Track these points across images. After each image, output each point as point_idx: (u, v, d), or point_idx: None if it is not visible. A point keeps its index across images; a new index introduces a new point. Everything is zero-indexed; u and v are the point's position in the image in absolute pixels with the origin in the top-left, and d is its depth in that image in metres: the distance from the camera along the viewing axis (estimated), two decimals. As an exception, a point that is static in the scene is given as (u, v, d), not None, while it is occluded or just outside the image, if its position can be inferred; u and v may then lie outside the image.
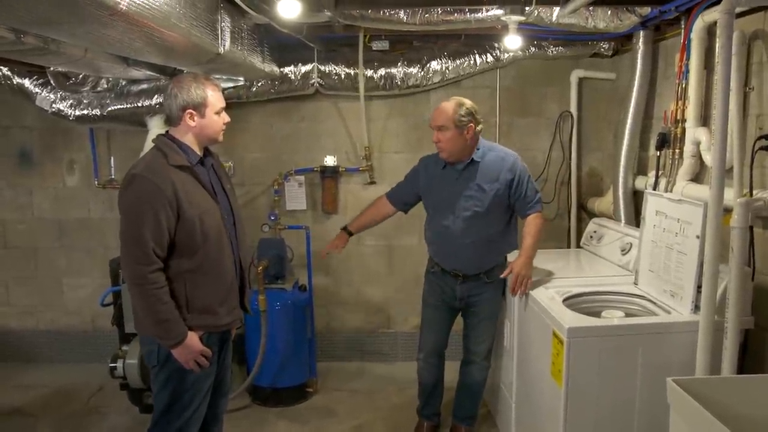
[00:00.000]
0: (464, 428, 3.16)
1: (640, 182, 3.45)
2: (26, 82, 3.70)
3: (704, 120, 2.86)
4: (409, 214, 3.23)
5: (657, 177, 3.14)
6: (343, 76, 3.85)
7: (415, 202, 3.10)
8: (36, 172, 4.10)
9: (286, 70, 3.80)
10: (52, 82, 3.64)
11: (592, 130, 4.08)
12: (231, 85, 3.73)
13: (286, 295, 3.56)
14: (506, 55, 3.88)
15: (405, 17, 3.11)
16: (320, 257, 3.58)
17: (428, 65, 3.85)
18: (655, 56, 3.41)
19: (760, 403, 1.68)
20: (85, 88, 3.69)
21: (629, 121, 3.45)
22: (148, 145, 2.36)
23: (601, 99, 4.03)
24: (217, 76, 3.32)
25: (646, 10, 3.08)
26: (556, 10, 3.00)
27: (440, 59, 3.86)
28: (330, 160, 4.03)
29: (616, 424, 2.36)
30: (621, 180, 3.52)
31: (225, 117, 2.27)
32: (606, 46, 3.85)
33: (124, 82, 3.68)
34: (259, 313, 3.39)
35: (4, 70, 3.66)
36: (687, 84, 2.90)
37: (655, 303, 2.60)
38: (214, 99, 2.20)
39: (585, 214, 4.12)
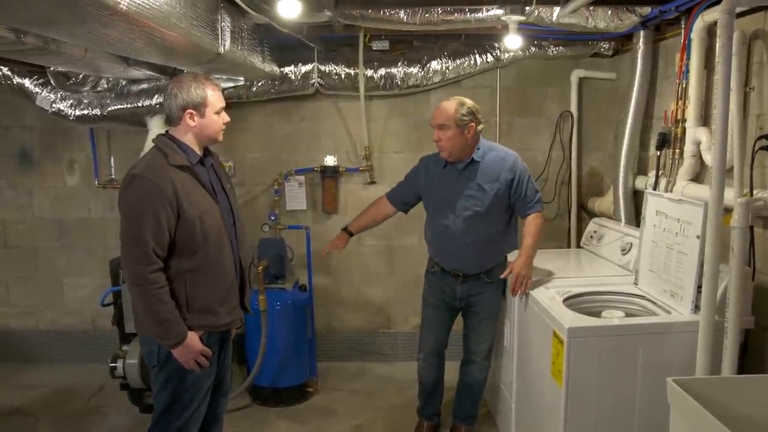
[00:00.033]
0: (464, 428, 3.16)
1: (640, 182, 3.44)
2: (26, 82, 3.70)
3: (704, 120, 2.86)
4: (410, 214, 3.23)
5: (657, 177, 3.14)
6: (343, 76, 3.85)
7: (415, 202, 3.10)
8: (36, 172, 4.10)
9: (287, 69, 3.80)
10: (52, 82, 3.64)
11: (592, 129, 4.08)
12: (231, 84, 3.73)
13: (287, 295, 3.56)
14: (506, 55, 3.88)
15: (405, 17, 3.11)
16: (320, 257, 3.58)
17: (428, 65, 3.85)
18: (655, 56, 3.41)
19: (761, 403, 1.68)
20: (86, 88, 3.69)
21: (629, 120, 3.45)
22: (149, 145, 2.36)
23: (602, 99, 4.02)
24: (218, 76, 3.32)
25: (646, 10, 3.08)
26: (557, 9, 2.99)
27: (440, 59, 3.86)
28: (330, 160, 4.03)
29: (616, 424, 2.36)
30: (621, 180, 3.52)
31: (225, 117, 2.27)
32: (606, 45, 3.85)
33: (124, 82, 3.68)
34: (260, 313, 3.39)
35: (5, 70, 3.66)
36: (687, 84, 2.90)
37: (655, 303, 2.60)
38: (214, 99, 2.20)
39: (585, 213, 4.12)
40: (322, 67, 3.84)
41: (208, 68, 2.86)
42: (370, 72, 3.84)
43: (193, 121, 2.17)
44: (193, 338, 2.14)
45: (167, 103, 2.19)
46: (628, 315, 2.58)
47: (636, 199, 3.51)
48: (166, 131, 2.25)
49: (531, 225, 2.87)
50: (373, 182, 4.05)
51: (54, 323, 4.26)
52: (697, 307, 2.31)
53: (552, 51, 3.84)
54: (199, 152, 2.23)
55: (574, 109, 3.99)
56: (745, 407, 1.66)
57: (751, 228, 2.22)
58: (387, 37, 3.79)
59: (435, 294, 3.04)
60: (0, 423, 3.46)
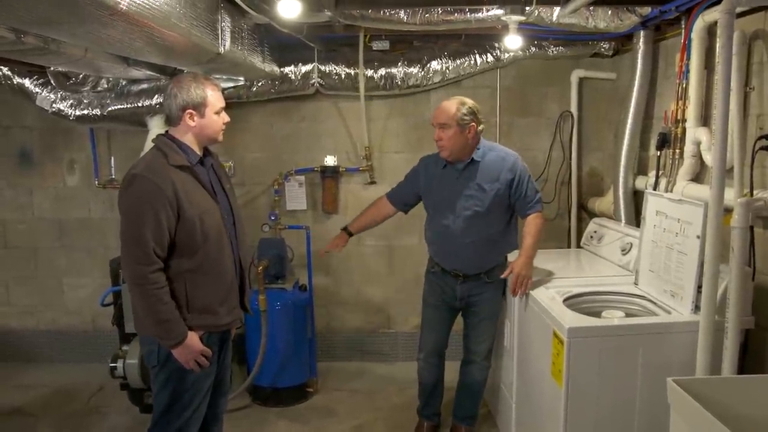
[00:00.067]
0: (464, 428, 3.16)
1: (640, 182, 3.44)
2: (26, 82, 3.70)
3: (705, 120, 2.85)
4: (409, 214, 3.23)
5: (657, 177, 3.14)
6: (343, 76, 3.85)
7: (415, 202, 3.10)
8: (36, 172, 4.10)
9: (287, 69, 3.80)
10: (52, 82, 3.64)
11: (592, 130, 4.08)
12: (231, 84, 3.73)
13: (287, 295, 3.56)
14: (506, 55, 3.88)
15: (405, 17, 3.11)
16: (320, 256, 3.58)
17: (428, 65, 3.85)
18: (655, 56, 3.41)
19: (761, 404, 1.68)
20: (86, 88, 3.69)
21: (630, 121, 3.45)
22: (149, 145, 2.36)
23: (602, 99, 4.02)
24: (218, 76, 3.32)
25: (646, 10, 3.08)
26: (557, 10, 2.99)
27: (440, 59, 3.86)
28: (330, 160, 4.03)
29: (616, 424, 2.36)
30: (621, 180, 3.52)
31: (225, 117, 2.27)
32: (606, 46, 3.85)
33: (124, 82, 3.68)
34: (260, 313, 3.39)
35: (5, 70, 3.66)
36: (687, 84, 2.90)
37: (655, 303, 2.60)
38: (214, 99, 2.20)
39: (585, 214, 4.12)
40: (322, 67, 3.84)
41: (208, 68, 2.86)
42: (370, 72, 3.84)
43: (193, 121, 2.17)
44: (193, 338, 2.14)
45: (167, 103, 2.19)
46: (628, 315, 2.58)
47: (636, 199, 3.51)
48: (166, 131, 2.25)
49: (531, 225, 2.87)
50: (373, 182, 4.05)
51: (54, 323, 4.26)
52: (697, 308, 2.31)
53: (552, 51, 3.84)
54: (198, 152, 2.23)
55: (574, 109, 3.99)
56: (745, 407, 1.66)
57: (751, 228, 2.22)
58: (387, 37, 3.79)
59: (435, 294, 3.04)
60: (0, 423, 3.46)
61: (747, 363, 2.45)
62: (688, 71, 2.89)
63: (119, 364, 3.14)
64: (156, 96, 3.63)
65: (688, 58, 2.88)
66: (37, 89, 3.70)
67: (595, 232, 3.54)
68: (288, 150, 4.06)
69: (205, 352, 2.19)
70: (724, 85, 2.10)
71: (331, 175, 4.03)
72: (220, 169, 2.39)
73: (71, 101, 3.70)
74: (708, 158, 2.74)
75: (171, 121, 2.21)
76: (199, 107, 2.16)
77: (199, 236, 2.13)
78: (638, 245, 2.84)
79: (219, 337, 2.32)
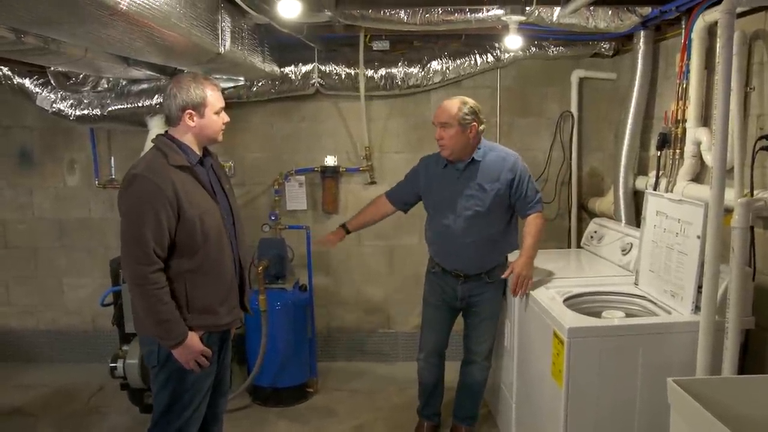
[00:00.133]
0: (465, 428, 3.16)
1: (640, 182, 3.44)
2: (27, 82, 3.70)
3: (705, 120, 2.85)
4: (409, 214, 3.23)
5: (657, 177, 3.14)
6: (343, 76, 3.85)
7: (415, 201, 3.10)
8: (36, 171, 4.10)
9: (287, 69, 3.79)
10: (52, 82, 3.64)
11: (592, 130, 4.08)
12: (231, 85, 3.73)
13: (287, 295, 3.56)
14: (507, 55, 3.88)
15: (405, 17, 3.11)
16: (317, 245, 3.58)
17: (429, 65, 3.85)
18: (655, 56, 3.41)
19: (761, 404, 1.68)
20: (86, 88, 3.69)
21: (630, 121, 3.45)
22: (149, 145, 2.36)
23: (602, 99, 4.02)
24: (218, 76, 3.32)
25: (646, 10, 3.08)
26: (557, 10, 2.99)
27: (441, 59, 3.86)
28: (330, 160, 4.03)
29: (616, 424, 2.36)
30: (621, 180, 3.52)
31: (224, 117, 2.27)
32: (606, 46, 3.85)
33: (124, 82, 3.68)
34: (260, 313, 3.39)
35: (5, 70, 3.67)
36: (688, 84, 2.90)
37: (655, 303, 2.60)
38: (214, 99, 2.20)
39: (585, 214, 4.11)
40: (323, 67, 3.84)
41: (209, 68, 2.86)
42: (370, 72, 3.84)
43: (193, 121, 2.17)
44: (193, 338, 2.14)
45: (167, 104, 2.19)
46: (628, 315, 2.58)
47: (636, 199, 3.51)
48: (166, 131, 2.25)
49: (531, 225, 2.87)
50: (373, 182, 4.05)
51: (54, 323, 4.26)
52: (697, 308, 2.31)
53: (552, 51, 3.84)
54: (198, 152, 2.23)
55: (574, 109, 3.99)
56: (745, 407, 1.66)
57: (752, 228, 2.22)
58: (387, 37, 3.79)
59: (436, 294, 3.04)
60: (0, 423, 3.46)
61: (747, 363, 2.45)
62: (688, 71, 2.89)
63: (119, 364, 3.15)
64: (156, 96, 3.63)
65: (689, 59, 2.88)
66: (37, 89, 3.71)
67: (596, 232, 3.54)
68: (288, 150, 4.06)
69: (205, 352, 2.19)
70: (725, 85, 2.10)
71: (331, 175, 4.04)
72: (220, 170, 2.39)
73: (71, 101, 3.70)
74: (708, 158, 2.74)
75: (171, 121, 2.21)
76: (199, 107, 2.16)
77: (199, 236, 2.13)
78: (638, 245, 2.84)
79: (219, 337, 2.32)
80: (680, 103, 2.95)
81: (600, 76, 3.97)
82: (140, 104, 3.66)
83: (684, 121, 2.94)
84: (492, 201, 2.82)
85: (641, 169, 3.54)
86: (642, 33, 3.35)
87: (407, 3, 3.07)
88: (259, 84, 3.81)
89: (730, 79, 2.12)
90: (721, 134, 2.08)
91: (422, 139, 3.96)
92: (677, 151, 3.00)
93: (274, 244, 3.61)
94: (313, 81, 3.85)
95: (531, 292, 2.77)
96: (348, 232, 3.19)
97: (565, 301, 2.61)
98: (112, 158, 4.02)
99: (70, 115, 3.71)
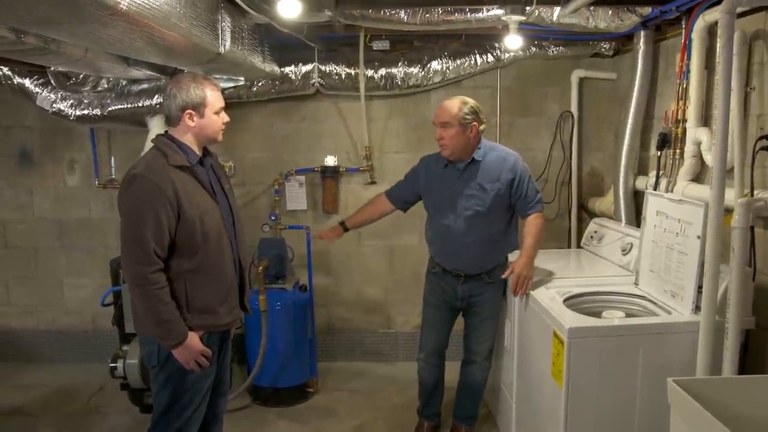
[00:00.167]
0: (465, 428, 3.16)
1: (640, 182, 3.44)
2: (27, 82, 3.70)
3: (705, 120, 2.85)
4: (409, 213, 3.23)
5: (658, 177, 3.14)
6: (343, 76, 3.85)
7: (414, 201, 3.10)
8: (36, 171, 4.10)
9: (287, 69, 3.79)
10: (52, 82, 3.64)
11: (592, 130, 4.08)
12: (231, 84, 3.73)
13: (287, 295, 3.56)
14: (507, 55, 3.88)
15: (405, 17, 3.11)
16: (314, 239, 3.60)
17: (429, 65, 3.85)
18: (655, 56, 3.40)
19: (761, 404, 1.68)
20: (86, 88, 3.69)
21: (630, 121, 3.44)
22: (149, 145, 2.37)
23: (602, 99, 4.02)
24: (218, 76, 3.32)
25: (646, 10, 3.08)
26: (557, 10, 2.99)
27: (441, 59, 3.86)
28: (330, 160, 4.03)
29: (616, 424, 2.36)
30: (622, 180, 3.52)
31: (224, 117, 2.27)
32: (607, 46, 3.85)
33: (124, 82, 3.68)
34: (260, 313, 3.39)
35: (5, 70, 3.67)
36: (688, 84, 2.90)
37: (655, 303, 2.60)
38: (213, 99, 2.20)
39: (586, 214, 4.11)
40: (323, 67, 3.83)
41: (209, 68, 2.86)
42: (370, 72, 3.84)
43: (193, 121, 2.17)
44: (193, 338, 2.14)
45: (166, 104, 2.19)
46: (628, 315, 2.58)
47: (636, 199, 3.51)
48: (166, 131, 2.25)
49: (531, 225, 2.87)
50: (373, 182, 4.05)
51: (54, 323, 4.26)
52: (697, 308, 2.31)
53: (552, 51, 3.83)
54: (198, 152, 2.23)
55: (574, 109, 3.99)
56: (745, 408, 1.66)
57: (752, 228, 2.22)
58: (387, 37, 3.79)
59: (436, 294, 3.04)
60: (0, 423, 3.46)
61: (747, 363, 2.45)
62: (688, 71, 2.89)
63: (119, 364, 3.15)
64: (156, 96, 3.63)
65: (689, 58, 2.88)
66: (37, 89, 3.71)
67: (596, 232, 3.54)
68: (288, 150, 4.06)
69: (205, 353, 2.19)
70: (725, 85, 2.10)
71: (331, 175, 4.04)
72: (220, 170, 2.39)
73: (71, 101, 3.70)
74: (708, 158, 2.74)
75: (170, 121, 2.21)
76: (199, 107, 2.16)
77: (199, 236, 2.13)
78: (638, 245, 2.84)
79: (219, 337, 2.32)
80: (680, 103, 2.95)
81: (600, 76, 3.97)
82: (140, 104, 3.66)
83: (684, 121, 2.94)
84: (492, 201, 2.81)
85: (641, 169, 3.53)
86: (642, 33, 3.35)
87: (407, 3, 3.07)
88: (259, 84, 3.81)
89: (730, 79, 2.12)
90: (722, 134, 2.08)
91: (422, 139, 3.96)
92: (677, 151, 3.00)
93: (274, 244, 3.61)
94: (313, 81, 3.85)
95: (531, 292, 2.77)
96: (346, 229, 3.19)
97: (565, 301, 2.60)
98: (112, 158, 4.02)
99: (70, 115, 3.71)
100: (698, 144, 2.83)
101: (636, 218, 3.46)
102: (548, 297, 2.65)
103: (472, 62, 3.88)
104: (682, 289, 2.45)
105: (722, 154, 2.10)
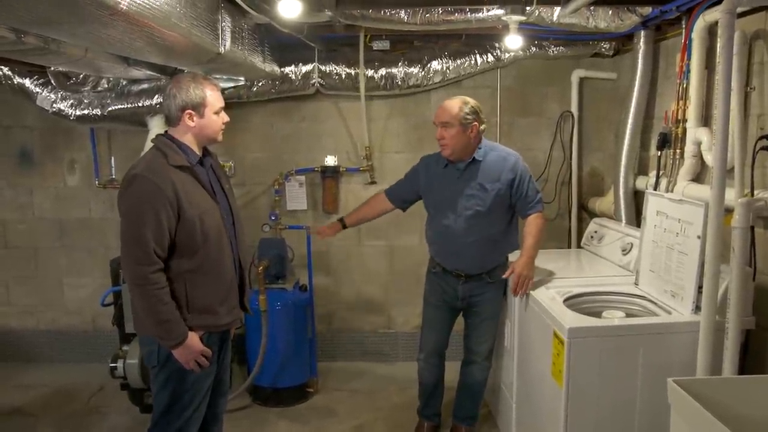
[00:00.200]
0: (465, 428, 3.16)
1: (641, 182, 3.44)
2: (27, 82, 3.70)
3: (705, 120, 2.85)
4: (409, 213, 3.23)
5: (658, 177, 3.14)
6: (343, 76, 3.85)
7: (414, 200, 3.10)
8: (36, 171, 4.10)
9: (287, 69, 3.79)
10: (52, 81, 3.64)
11: (593, 130, 4.08)
12: (231, 84, 3.73)
13: (287, 295, 3.56)
14: (507, 55, 3.87)
15: (406, 17, 3.11)
16: (308, 232, 3.62)
17: (429, 65, 3.85)
18: (656, 56, 3.40)
19: (761, 404, 1.68)
20: (86, 88, 3.69)
21: (630, 121, 3.44)
22: (149, 145, 2.37)
23: (602, 99, 4.02)
24: (218, 76, 3.32)
25: (647, 10, 3.08)
26: (557, 9, 2.99)
27: (441, 59, 3.86)
28: (331, 160, 4.03)
29: (616, 424, 2.36)
30: (622, 180, 3.52)
31: (224, 117, 2.27)
32: (607, 45, 3.85)
33: (124, 82, 3.68)
34: (260, 313, 3.39)
35: (5, 69, 3.67)
36: (688, 84, 2.89)
37: (655, 303, 2.60)
38: (213, 99, 2.20)
39: (586, 214, 4.11)
40: (323, 67, 3.83)
41: (209, 68, 2.86)
42: (370, 72, 3.84)
43: (192, 121, 2.17)
44: (193, 338, 2.14)
45: (166, 104, 2.19)
46: (628, 315, 2.58)
47: (637, 199, 3.51)
48: (166, 131, 2.25)
49: (532, 225, 2.87)
50: (373, 182, 4.05)
51: (54, 323, 4.26)
52: (697, 308, 2.31)
53: (552, 51, 3.83)
54: (198, 152, 2.23)
55: (574, 109, 3.99)
56: (745, 408, 1.66)
57: (752, 228, 2.22)
58: (387, 37, 3.79)
59: (436, 294, 3.04)
60: (0, 423, 3.46)
61: (748, 363, 2.45)
62: (688, 71, 2.89)
63: (119, 364, 3.14)
64: (156, 96, 3.63)
65: (689, 58, 2.87)
66: (37, 89, 3.71)
67: (596, 232, 3.54)
68: (288, 150, 4.06)
69: (205, 353, 2.19)
70: (725, 85, 2.10)
71: (331, 175, 4.03)
72: (219, 170, 2.39)
73: (72, 101, 3.70)
74: (709, 158, 2.74)
75: (170, 121, 2.21)
76: (198, 107, 2.16)
77: (199, 236, 2.13)
78: (639, 245, 2.84)
79: (219, 337, 2.32)
80: (680, 103, 2.95)
81: (600, 76, 3.97)
82: (140, 104, 3.66)
83: (684, 120, 2.93)
84: (493, 201, 2.81)
85: (641, 169, 3.53)
86: (642, 33, 3.35)
87: (407, 3, 3.07)
88: (260, 84, 3.81)
89: (730, 78, 2.12)
90: (722, 134, 2.08)
91: (422, 139, 3.95)
92: (677, 151, 3.00)
93: (275, 244, 3.61)
94: (314, 81, 3.85)
95: (531, 292, 2.77)
96: (345, 226, 3.20)
97: (565, 301, 2.60)
98: (112, 158, 4.02)
99: (71, 115, 3.71)
100: (698, 144, 2.83)
101: (636, 218, 3.46)
102: (548, 297, 2.65)
103: (473, 62, 3.88)
104: (683, 289, 2.45)
105: (722, 154, 2.10)
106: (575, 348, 2.30)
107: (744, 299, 2.20)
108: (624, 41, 3.73)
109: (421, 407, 3.22)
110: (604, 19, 3.13)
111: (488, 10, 3.05)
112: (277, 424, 3.43)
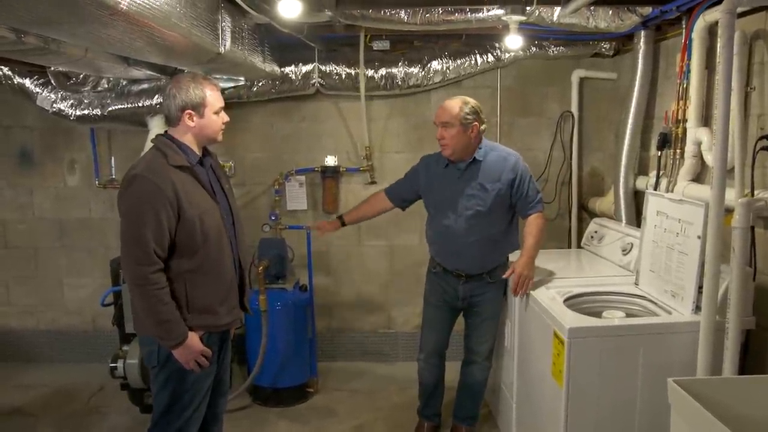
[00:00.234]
0: (465, 428, 3.16)
1: (641, 182, 3.44)
2: (27, 82, 3.70)
3: (705, 120, 2.85)
4: (410, 213, 3.23)
5: (658, 177, 3.14)
6: (343, 76, 3.85)
7: (413, 200, 3.10)
8: (37, 171, 4.10)
9: (287, 69, 3.79)
10: (52, 81, 3.64)
11: (593, 130, 4.08)
12: (231, 84, 3.73)
13: (287, 295, 3.56)
14: (507, 55, 3.87)
15: (406, 17, 3.11)
16: (307, 228, 3.63)
17: (429, 65, 3.85)
18: (656, 56, 3.40)
19: (761, 404, 1.68)
20: (86, 88, 3.69)
21: (630, 121, 3.44)
22: (149, 145, 2.37)
23: (602, 99, 4.02)
24: (218, 76, 3.32)
25: (647, 10, 3.08)
26: (557, 9, 2.99)
27: (441, 59, 3.86)
28: (331, 160, 4.03)
29: (617, 424, 2.36)
30: (622, 180, 3.52)
31: (224, 116, 2.27)
32: (607, 45, 3.85)
33: (124, 82, 3.68)
34: (260, 313, 3.39)
35: (5, 69, 3.67)
36: (688, 84, 2.89)
37: (656, 303, 2.60)
38: (213, 99, 2.20)
39: (586, 214, 4.11)
40: (323, 67, 3.83)
41: (209, 68, 2.85)
42: (370, 72, 3.84)
43: (192, 121, 2.17)
44: (193, 339, 2.14)
45: (166, 104, 2.19)
46: (628, 315, 2.58)
47: (637, 199, 3.51)
48: (165, 131, 2.25)
49: (532, 225, 2.87)
50: (373, 182, 4.05)
51: (54, 323, 4.26)
52: (698, 308, 2.31)
53: (553, 51, 3.83)
54: (198, 152, 2.23)
55: (574, 109, 3.99)
56: (745, 408, 1.66)
57: (752, 228, 2.22)
58: (388, 37, 3.79)
59: (436, 294, 3.04)
60: (0, 423, 3.46)
61: (748, 363, 2.45)
62: (688, 71, 2.89)
63: (119, 364, 3.14)
64: (156, 96, 3.63)
65: (689, 58, 2.87)
66: (37, 89, 3.71)
67: (596, 232, 3.54)
68: (288, 150, 4.06)
69: (206, 353, 2.19)
70: (725, 85, 2.10)
71: (331, 175, 4.03)
72: (219, 170, 2.39)
73: (72, 101, 3.70)
74: (709, 158, 2.74)
75: (170, 121, 2.21)
76: (198, 107, 2.16)
77: (199, 236, 2.13)
78: (639, 245, 2.84)
79: (219, 337, 2.32)
80: (681, 103, 2.95)
81: (600, 76, 3.97)
82: (140, 104, 3.66)
83: (684, 121, 2.93)
84: (493, 201, 2.81)
85: (642, 169, 3.53)
86: (642, 33, 3.35)
87: (407, 3, 3.07)
88: (260, 84, 3.81)
89: (730, 78, 2.12)
90: (722, 134, 2.08)
91: (422, 138, 3.95)
92: (678, 151, 3.00)
93: (275, 244, 3.61)
94: (314, 81, 3.85)
95: (531, 292, 2.77)
96: (344, 224, 3.20)
97: (565, 301, 2.60)
98: (113, 158, 4.02)
99: (71, 115, 3.71)
100: (698, 144, 2.83)
101: (636, 218, 3.46)
102: (548, 297, 2.65)
103: (473, 62, 3.88)
104: (683, 289, 2.44)
105: (722, 154, 2.10)
106: (575, 348, 2.30)
107: (744, 299, 2.20)
108: (624, 41, 3.73)
109: (421, 407, 3.22)
110: (604, 19, 3.13)
111: (488, 10, 3.05)
112: (277, 424, 3.43)
